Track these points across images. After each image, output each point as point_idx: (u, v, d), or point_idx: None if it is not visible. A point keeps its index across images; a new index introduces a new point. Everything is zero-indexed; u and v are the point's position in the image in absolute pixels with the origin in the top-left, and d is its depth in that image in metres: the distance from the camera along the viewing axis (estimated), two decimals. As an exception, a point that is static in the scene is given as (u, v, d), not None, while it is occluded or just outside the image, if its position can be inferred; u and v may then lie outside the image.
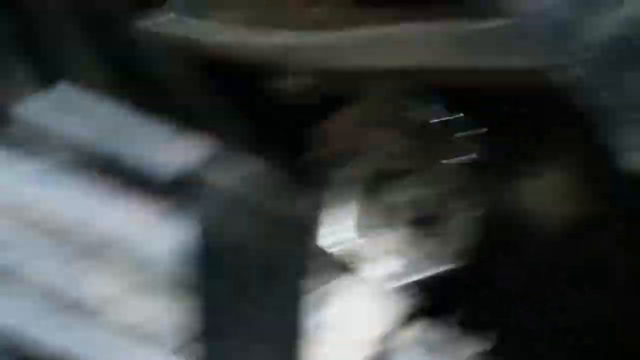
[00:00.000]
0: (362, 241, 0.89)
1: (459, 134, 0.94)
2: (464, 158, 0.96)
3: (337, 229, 0.89)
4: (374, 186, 0.92)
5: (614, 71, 0.58)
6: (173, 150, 0.60)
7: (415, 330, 0.61)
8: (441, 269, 0.89)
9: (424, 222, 0.90)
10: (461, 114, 0.94)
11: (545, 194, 0.97)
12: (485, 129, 0.95)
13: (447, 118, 0.94)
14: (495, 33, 0.71)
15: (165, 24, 0.88)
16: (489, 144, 0.95)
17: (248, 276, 0.45)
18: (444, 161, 0.96)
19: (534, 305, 1.05)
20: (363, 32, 0.79)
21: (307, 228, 0.43)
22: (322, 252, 0.53)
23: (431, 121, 0.95)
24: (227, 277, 0.46)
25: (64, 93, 0.69)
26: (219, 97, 1.16)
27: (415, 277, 0.87)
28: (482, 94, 0.96)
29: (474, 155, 0.94)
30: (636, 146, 0.59)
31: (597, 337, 1.10)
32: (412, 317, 0.61)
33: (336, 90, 1.09)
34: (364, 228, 0.90)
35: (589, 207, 0.96)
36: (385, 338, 0.59)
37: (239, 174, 0.46)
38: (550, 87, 0.76)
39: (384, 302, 0.61)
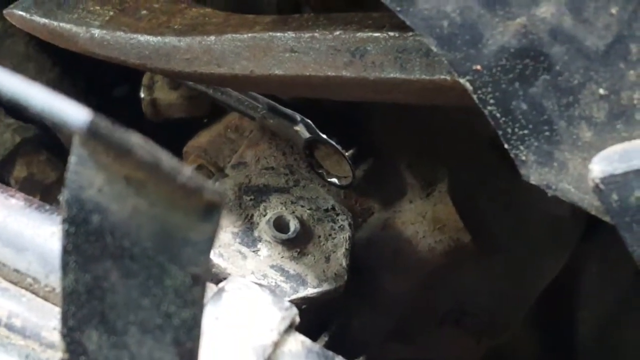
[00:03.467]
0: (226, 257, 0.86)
1: (341, 153, 0.92)
2: (343, 178, 0.94)
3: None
4: (242, 201, 0.89)
5: (511, 83, 0.57)
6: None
7: (295, 343, 0.58)
8: (316, 289, 0.86)
9: (296, 241, 0.88)
10: (342, 133, 0.93)
11: (421, 221, 0.96)
12: (365, 150, 0.94)
13: (327, 137, 0.92)
14: (393, 44, 0.70)
15: (30, 9, 0.83)
16: (371, 166, 0.94)
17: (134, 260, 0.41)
18: (321, 180, 0.94)
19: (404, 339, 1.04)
20: (243, 37, 0.76)
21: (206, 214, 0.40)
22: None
23: (309, 139, 0.93)
24: (111, 258, 0.42)
25: None
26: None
27: (290, 296, 0.84)
28: (366, 111, 0.95)
29: (353, 176, 0.93)
30: (533, 160, 0.58)
31: None
32: (290, 329, 0.58)
33: (205, 103, 1.06)
34: (227, 244, 0.87)
35: (463, 240, 0.96)
36: (266, 347, 0.56)
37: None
38: (448, 101, 0.75)
39: (264, 311, 0.58)
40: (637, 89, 0.53)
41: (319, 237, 0.89)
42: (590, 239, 1.13)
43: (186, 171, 0.38)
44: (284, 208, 0.90)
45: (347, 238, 0.89)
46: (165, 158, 0.37)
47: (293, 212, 0.89)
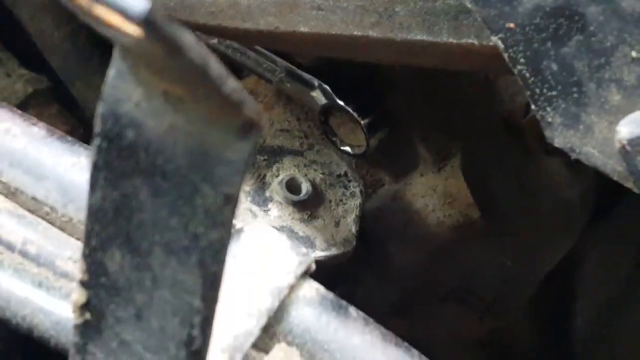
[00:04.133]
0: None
1: (357, 121, 0.92)
2: (357, 147, 0.94)
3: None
4: (255, 160, 0.89)
5: (543, 43, 0.57)
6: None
7: (310, 289, 0.58)
8: (324, 253, 0.86)
9: (307, 204, 0.88)
10: (359, 101, 0.93)
11: (431, 195, 0.97)
12: (380, 120, 0.94)
13: (344, 104, 0.92)
14: (422, 6, 0.70)
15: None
16: (385, 136, 0.94)
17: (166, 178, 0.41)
18: (337, 145, 0.94)
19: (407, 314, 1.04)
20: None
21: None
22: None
23: (325, 105, 0.93)
24: (142, 176, 0.42)
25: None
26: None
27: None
28: (385, 80, 0.95)
29: (367, 146, 0.93)
30: (559, 122, 0.58)
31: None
32: (306, 275, 0.58)
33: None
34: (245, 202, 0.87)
35: (473, 216, 0.96)
36: (282, 289, 0.56)
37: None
38: (473, 66, 0.75)
39: (281, 254, 0.58)
40: (671, 52, 0.53)
41: (330, 201, 0.89)
42: (594, 228, 1.13)
43: (232, 82, 0.37)
44: (296, 170, 0.90)
45: (358, 205, 0.89)
46: (214, 63, 0.37)
47: (306, 175, 0.89)
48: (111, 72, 0.43)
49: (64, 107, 1.13)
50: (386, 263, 0.97)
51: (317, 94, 0.94)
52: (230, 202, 0.43)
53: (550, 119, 0.59)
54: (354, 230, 0.88)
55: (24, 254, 0.58)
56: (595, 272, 1.21)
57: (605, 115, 0.57)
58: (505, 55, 0.59)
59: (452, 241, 0.96)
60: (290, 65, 0.94)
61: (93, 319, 0.49)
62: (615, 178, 0.59)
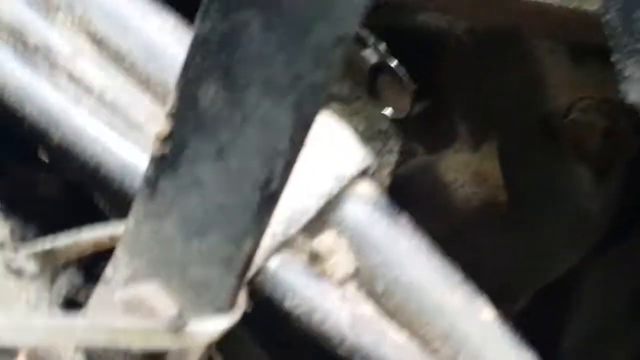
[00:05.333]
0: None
1: (404, 85, 0.93)
2: (398, 112, 0.95)
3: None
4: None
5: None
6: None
7: (369, 187, 0.59)
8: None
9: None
10: (413, 65, 0.94)
11: (463, 171, 0.98)
12: (426, 90, 0.95)
13: (396, 66, 0.93)
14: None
15: None
16: (428, 106, 0.96)
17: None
18: (382, 107, 0.95)
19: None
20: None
21: None
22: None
23: (375, 64, 0.94)
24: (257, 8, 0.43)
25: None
26: None
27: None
28: (440, 52, 0.97)
29: (410, 111, 0.94)
30: (638, 77, 0.60)
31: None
32: (368, 171, 0.59)
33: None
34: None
35: (500, 198, 0.97)
36: (344, 177, 0.57)
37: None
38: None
39: (349, 147, 0.59)
40: None
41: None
42: (603, 247, 1.14)
43: None
44: (341, 117, 0.91)
45: (393, 162, 0.90)
46: None
47: (349, 123, 0.90)
48: None
49: None
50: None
51: (368, 53, 0.96)
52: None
53: (629, 72, 0.61)
54: (386, 184, 0.89)
55: (100, 99, 0.59)
56: (594, 294, 1.22)
57: (684, 74, 0.59)
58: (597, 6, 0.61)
59: (475, 220, 0.97)
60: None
61: (172, 152, 0.50)
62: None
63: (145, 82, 0.60)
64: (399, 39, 0.94)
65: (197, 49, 0.48)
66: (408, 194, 0.98)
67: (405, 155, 0.99)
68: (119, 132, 0.58)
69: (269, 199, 0.48)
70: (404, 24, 0.92)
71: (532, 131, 1.00)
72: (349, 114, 0.92)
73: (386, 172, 0.89)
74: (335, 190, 0.57)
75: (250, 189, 0.48)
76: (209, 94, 0.48)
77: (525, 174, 1.01)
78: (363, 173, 0.59)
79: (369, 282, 0.57)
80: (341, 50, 0.44)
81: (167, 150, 0.50)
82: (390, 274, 0.58)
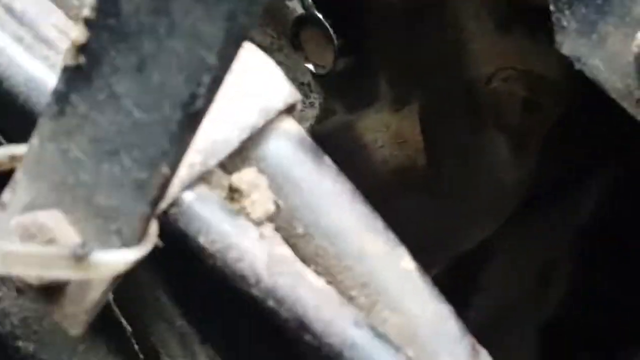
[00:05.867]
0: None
1: (329, 39, 0.91)
2: (321, 67, 0.93)
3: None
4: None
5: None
6: None
7: (294, 125, 0.56)
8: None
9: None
10: (338, 18, 0.91)
11: (383, 131, 0.96)
12: (349, 46, 0.93)
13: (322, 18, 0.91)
14: None
15: None
16: (351, 63, 0.93)
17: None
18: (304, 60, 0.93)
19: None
20: None
21: None
22: None
23: (300, 15, 0.91)
24: None
25: None
26: None
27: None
28: (367, 8, 0.94)
29: (333, 67, 0.91)
30: (574, 28, 0.58)
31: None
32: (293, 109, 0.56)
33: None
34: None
35: (419, 162, 0.96)
36: (270, 111, 0.54)
37: None
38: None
39: (276, 81, 0.55)
40: None
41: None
42: (512, 222, 1.13)
43: None
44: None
45: (314, 116, 0.88)
46: None
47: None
48: None
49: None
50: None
51: (293, 4, 0.93)
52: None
53: (565, 23, 0.59)
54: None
55: (8, 9, 0.55)
56: (501, 269, 1.22)
57: (623, 27, 0.57)
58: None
59: (392, 182, 0.95)
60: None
61: (87, 64, 0.46)
62: (613, 95, 0.60)
63: (59, -1, 0.56)
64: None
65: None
66: (325, 153, 0.95)
67: (324, 112, 0.96)
68: (26, 45, 0.54)
69: (191, 119, 0.45)
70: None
71: (455, 97, 0.99)
72: (270, 64, 0.88)
73: (306, 126, 0.86)
74: (259, 124, 0.54)
75: (172, 106, 0.45)
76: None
77: (446, 139, 0.99)
78: (289, 110, 0.56)
79: (288, 223, 0.54)
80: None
81: (82, 60, 0.46)
82: (311, 216, 0.55)
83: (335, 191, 0.56)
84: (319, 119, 0.96)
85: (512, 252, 1.20)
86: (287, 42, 0.93)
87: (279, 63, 0.90)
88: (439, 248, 1.05)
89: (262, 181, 0.54)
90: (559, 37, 0.60)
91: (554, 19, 0.60)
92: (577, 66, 0.60)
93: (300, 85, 0.89)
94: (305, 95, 0.89)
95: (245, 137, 0.53)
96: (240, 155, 0.54)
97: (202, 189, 0.53)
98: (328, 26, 0.91)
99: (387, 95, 0.96)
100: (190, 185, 0.52)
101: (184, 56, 0.44)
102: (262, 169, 0.54)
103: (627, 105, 0.58)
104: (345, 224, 0.55)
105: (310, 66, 0.93)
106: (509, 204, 1.07)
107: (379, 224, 0.57)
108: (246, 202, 0.54)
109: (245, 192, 0.54)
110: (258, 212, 0.54)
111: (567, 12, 0.59)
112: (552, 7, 0.59)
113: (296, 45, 0.93)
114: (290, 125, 0.56)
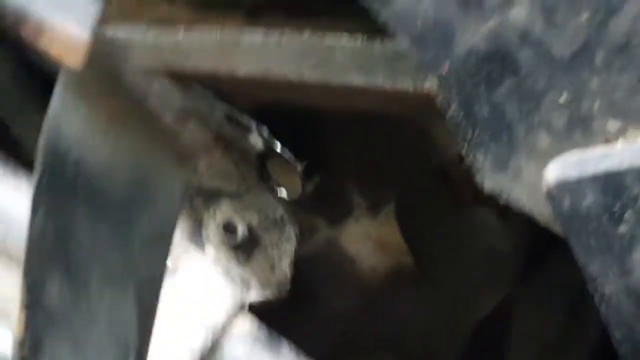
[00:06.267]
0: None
1: (293, 166, 0.93)
2: (292, 192, 0.95)
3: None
4: (192, 202, 0.89)
5: (476, 86, 0.59)
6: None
7: (244, 325, 0.58)
8: (259, 296, 0.86)
9: (243, 247, 0.88)
10: (295, 146, 0.94)
11: (365, 241, 0.98)
12: (315, 165, 0.95)
13: (280, 148, 0.93)
14: (360, 50, 0.71)
15: None
16: (320, 181, 0.95)
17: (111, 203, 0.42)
18: (270, 188, 0.95)
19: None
20: (212, 34, 0.77)
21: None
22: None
23: (262, 149, 0.93)
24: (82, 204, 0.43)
25: None
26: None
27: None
28: (319, 126, 0.97)
29: (303, 190, 0.94)
30: (489, 166, 0.60)
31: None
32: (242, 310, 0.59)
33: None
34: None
35: (406, 263, 0.97)
36: (217, 326, 0.57)
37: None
38: (408, 110, 0.77)
39: (217, 292, 0.58)
40: (597, 98, 0.55)
41: (266, 245, 0.90)
42: (528, 277, 1.15)
43: (170, 113, 0.38)
44: (233, 213, 0.90)
45: (293, 249, 0.90)
46: (153, 96, 0.37)
47: (242, 218, 0.90)
48: (52, 107, 0.43)
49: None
50: (318, 310, 0.97)
51: (254, 138, 0.95)
52: (167, 233, 0.44)
53: (480, 163, 0.61)
54: (288, 273, 0.88)
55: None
56: (529, 322, 1.23)
57: (535, 159, 0.59)
58: (438, 100, 0.61)
59: (384, 288, 0.97)
60: (229, 108, 0.95)
61: (30, 352, 0.49)
62: (542, 222, 0.61)
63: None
64: (281, 120, 0.94)
65: (34, 248, 0.47)
66: (315, 273, 0.98)
67: (307, 232, 0.99)
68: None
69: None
70: (280, 104, 0.92)
71: (429, 185, 1.00)
72: (241, 209, 0.91)
73: (287, 262, 0.89)
74: (209, 343, 0.56)
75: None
76: (54, 290, 0.47)
77: (427, 228, 1.01)
78: (238, 312, 0.58)
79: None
80: (167, 240, 0.44)
81: (25, 351, 0.49)
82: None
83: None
84: (304, 238, 0.98)
85: (533, 308, 1.21)
86: (253, 180, 0.96)
87: (249, 205, 0.93)
88: (450, 335, 1.07)
89: (226, 390, 0.57)
90: (478, 177, 0.62)
91: (469, 160, 0.61)
92: (502, 200, 0.61)
93: (273, 222, 0.92)
94: (280, 231, 0.91)
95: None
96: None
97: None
98: (289, 155, 0.93)
99: (361, 204, 0.98)
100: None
101: (110, 337, 0.47)
102: (224, 379, 0.57)
103: (557, 230, 0.59)
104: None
105: (283, 193, 0.95)
106: (507, 269, 1.08)
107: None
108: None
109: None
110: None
111: (479, 153, 0.60)
112: (464, 150, 0.61)
113: (265, 176, 0.96)
114: (241, 328, 0.58)
